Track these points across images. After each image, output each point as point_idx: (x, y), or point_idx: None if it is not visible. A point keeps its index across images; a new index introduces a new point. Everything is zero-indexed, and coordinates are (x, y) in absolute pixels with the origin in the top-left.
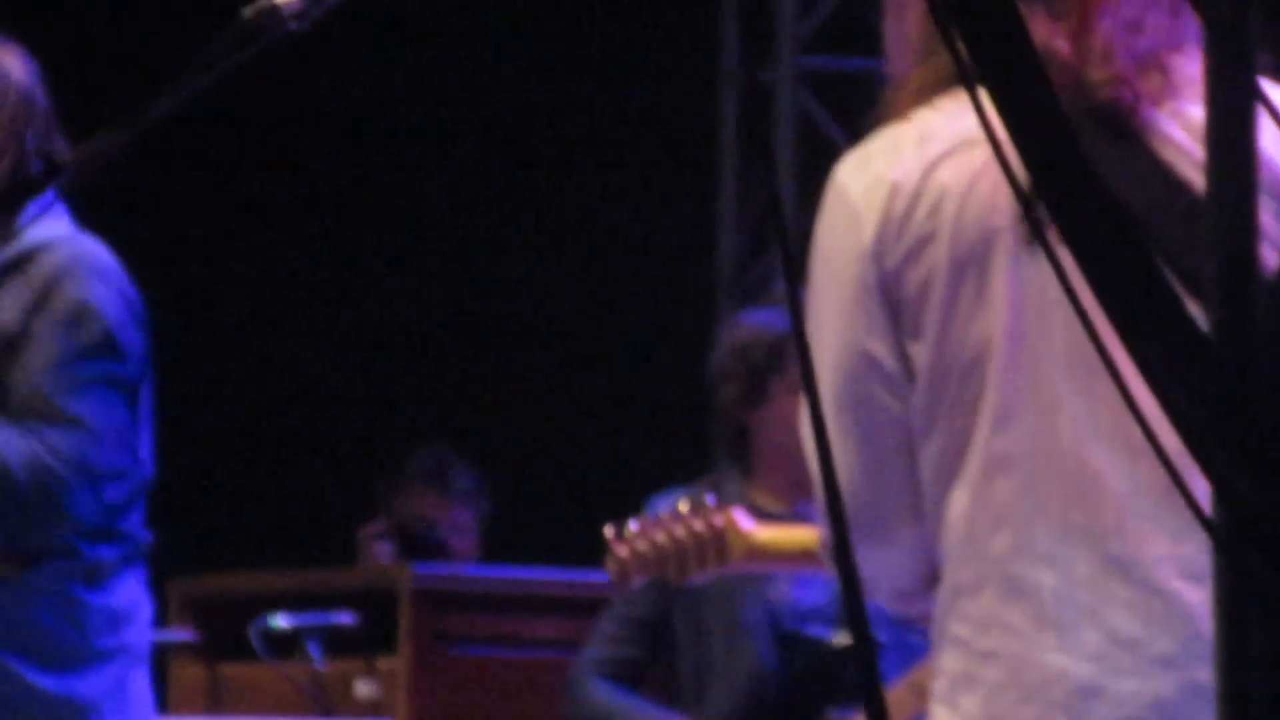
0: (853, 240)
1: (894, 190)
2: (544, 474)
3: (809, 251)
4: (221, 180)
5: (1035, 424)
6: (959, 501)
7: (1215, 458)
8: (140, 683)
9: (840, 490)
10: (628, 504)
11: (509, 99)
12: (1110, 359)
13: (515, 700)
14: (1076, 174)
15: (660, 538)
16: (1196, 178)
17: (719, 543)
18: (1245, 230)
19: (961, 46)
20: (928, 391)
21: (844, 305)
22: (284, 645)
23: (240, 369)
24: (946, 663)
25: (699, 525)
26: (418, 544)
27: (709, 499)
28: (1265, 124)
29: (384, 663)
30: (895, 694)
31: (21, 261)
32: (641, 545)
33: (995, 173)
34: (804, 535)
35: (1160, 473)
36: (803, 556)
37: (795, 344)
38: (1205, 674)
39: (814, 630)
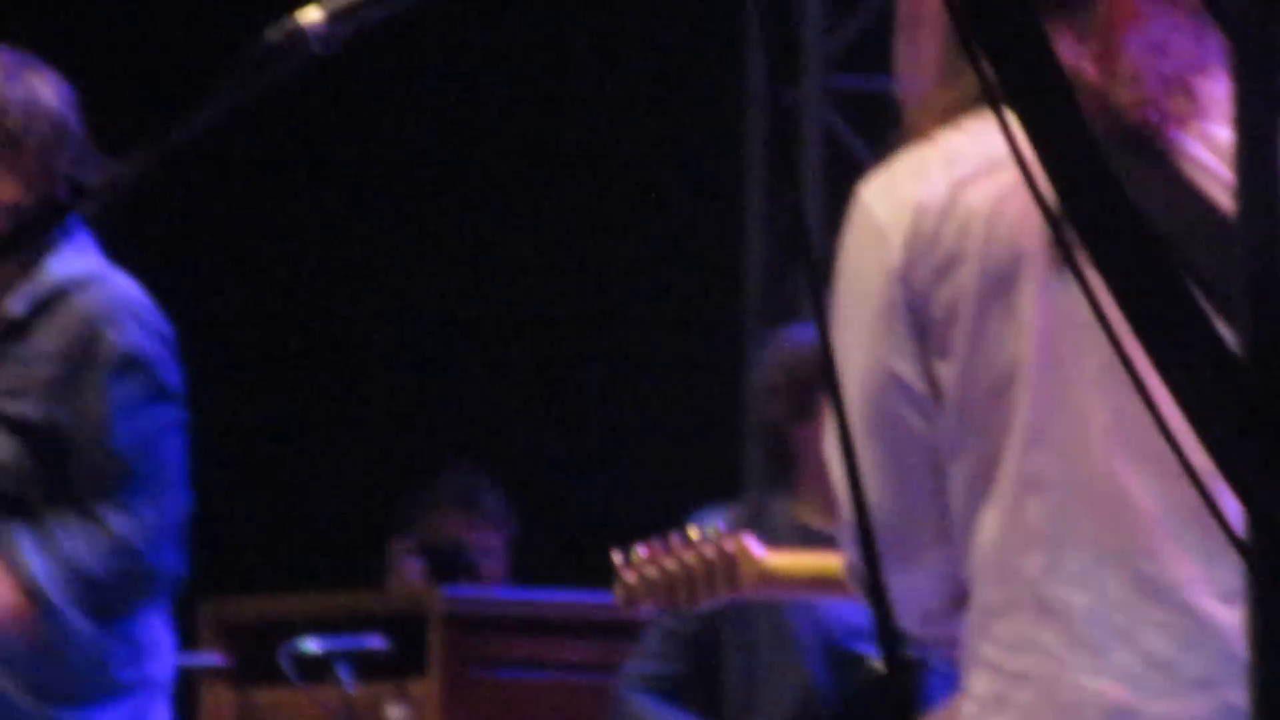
0: (879, 260)
1: (921, 211)
2: (572, 495)
3: (835, 271)
4: (247, 194)
5: (1066, 445)
6: (988, 522)
7: (1246, 478)
8: (162, 715)
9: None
10: (656, 525)
11: (532, 118)
12: (1140, 380)
13: None
14: (1105, 195)
15: (669, 564)
16: (1224, 199)
17: (730, 569)
18: (1274, 250)
19: (988, 68)
20: (956, 412)
21: (870, 326)
22: (314, 669)
23: (268, 391)
24: (977, 685)
25: (709, 551)
26: (447, 563)
27: (720, 525)
28: None
29: (415, 686)
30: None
31: (51, 301)
32: (650, 571)
33: (1023, 194)
34: (818, 561)
35: (1191, 493)
36: (817, 583)
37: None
38: (1238, 695)
39: (865, 647)
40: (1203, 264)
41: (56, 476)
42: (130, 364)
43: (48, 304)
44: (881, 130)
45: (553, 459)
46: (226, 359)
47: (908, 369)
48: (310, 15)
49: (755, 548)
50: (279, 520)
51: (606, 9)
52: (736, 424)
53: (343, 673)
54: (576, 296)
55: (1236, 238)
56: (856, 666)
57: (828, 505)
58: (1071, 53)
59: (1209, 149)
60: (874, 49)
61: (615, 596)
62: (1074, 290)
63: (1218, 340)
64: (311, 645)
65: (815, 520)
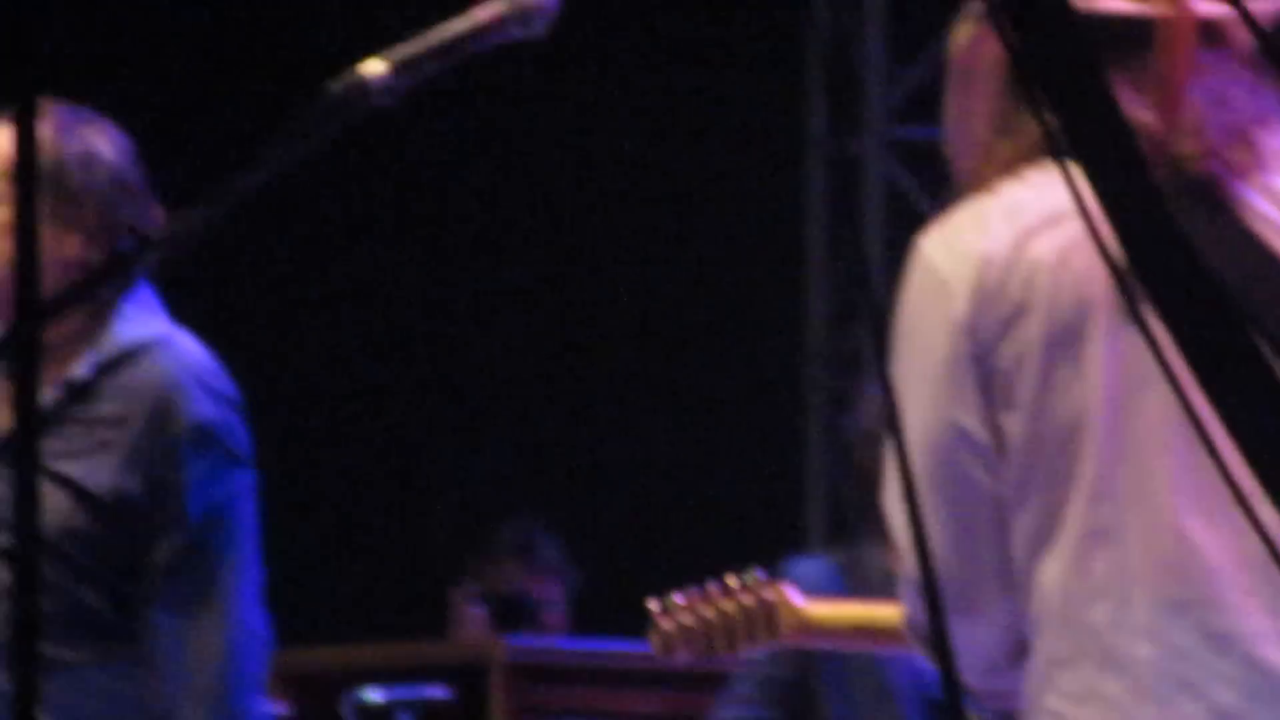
0: (942, 312)
1: (985, 263)
2: (635, 545)
3: (896, 322)
4: (308, 247)
5: (1132, 497)
6: (1052, 572)
7: None
8: None
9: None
10: (719, 575)
11: (595, 168)
12: (1206, 432)
13: None
14: (1171, 247)
15: (708, 611)
16: None
17: (769, 617)
18: None
19: (1051, 119)
20: (1022, 463)
21: (933, 377)
22: (377, 719)
23: (329, 443)
24: None
25: (748, 599)
26: (510, 611)
27: (758, 573)
28: None
29: None
30: None
31: (116, 364)
32: (687, 619)
33: (1088, 246)
34: (860, 611)
35: (1258, 545)
36: (858, 633)
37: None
38: None
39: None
40: (1266, 314)
41: (125, 544)
42: (203, 436)
43: (113, 367)
44: (942, 181)
45: (616, 509)
46: (288, 411)
47: (971, 421)
48: (372, 67)
49: (794, 596)
50: (342, 570)
51: (670, 58)
52: (798, 474)
53: None
54: (639, 347)
55: None
56: None
57: None
58: (1131, 104)
59: (1270, 200)
60: (935, 100)
61: (651, 644)
62: (1139, 341)
63: None
64: (374, 695)
65: None
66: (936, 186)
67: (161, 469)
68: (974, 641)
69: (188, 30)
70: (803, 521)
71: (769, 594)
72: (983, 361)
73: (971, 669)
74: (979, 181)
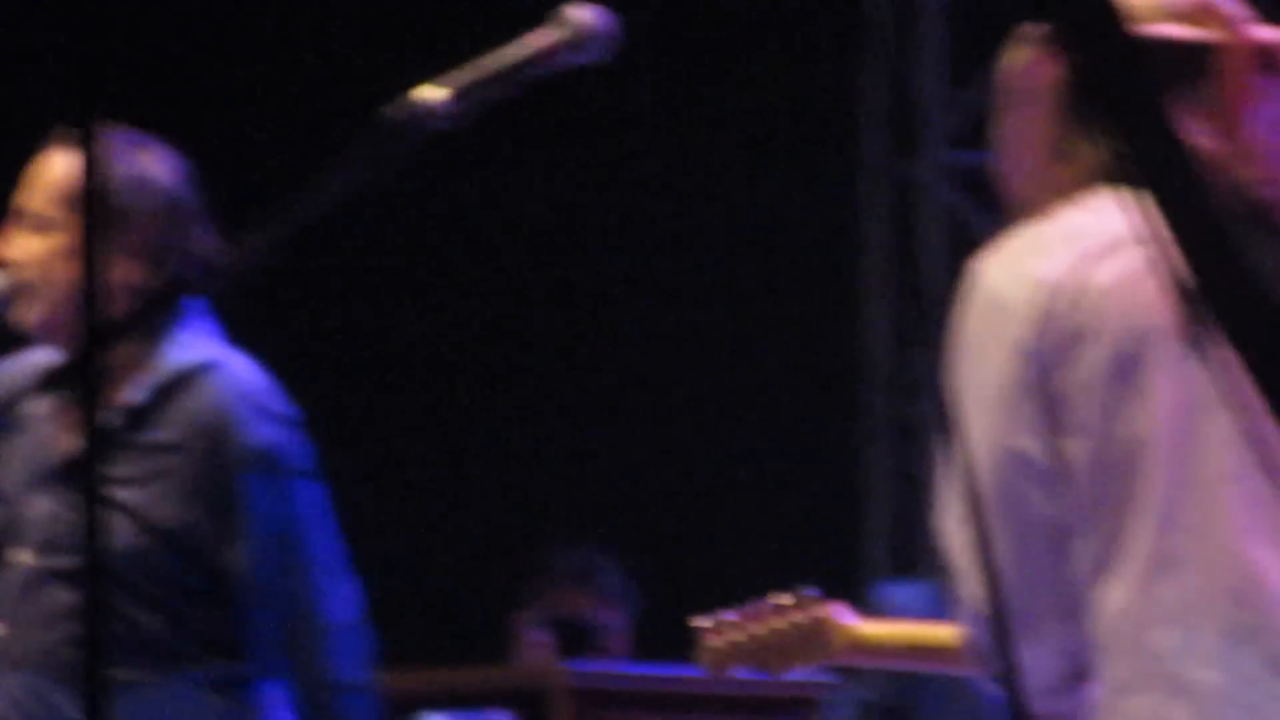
0: (1002, 336)
1: (1046, 288)
2: (697, 570)
3: (955, 347)
4: (358, 275)
5: (1198, 524)
6: (1116, 598)
7: None
8: None
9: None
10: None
11: (649, 195)
12: (1274, 458)
13: None
14: (1236, 273)
15: (757, 629)
16: None
17: (819, 635)
18: None
19: (1111, 145)
20: (1086, 487)
21: (994, 402)
22: None
23: (388, 467)
24: None
25: (798, 617)
26: (575, 636)
27: (809, 591)
28: None
29: None
30: None
31: (171, 389)
32: (737, 635)
33: (1149, 272)
34: (914, 631)
35: None
36: (910, 652)
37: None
38: None
39: None
40: None
41: (189, 568)
42: (262, 459)
43: (167, 391)
44: (1001, 206)
45: (678, 535)
46: (350, 439)
47: (1032, 445)
48: (432, 93)
49: (845, 615)
50: (403, 596)
51: (727, 84)
52: (858, 500)
53: None
54: (699, 373)
55: None
56: None
57: None
58: (1191, 130)
59: None
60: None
61: (699, 662)
62: (1202, 369)
63: None
64: None
65: None
66: (995, 211)
67: (224, 495)
68: (1031, 664)
69: (249, 55)
70: (863, 548)
71: (819, 612)
72: (1043, 386)
73: (1028, 692)
74: (1035, 206)
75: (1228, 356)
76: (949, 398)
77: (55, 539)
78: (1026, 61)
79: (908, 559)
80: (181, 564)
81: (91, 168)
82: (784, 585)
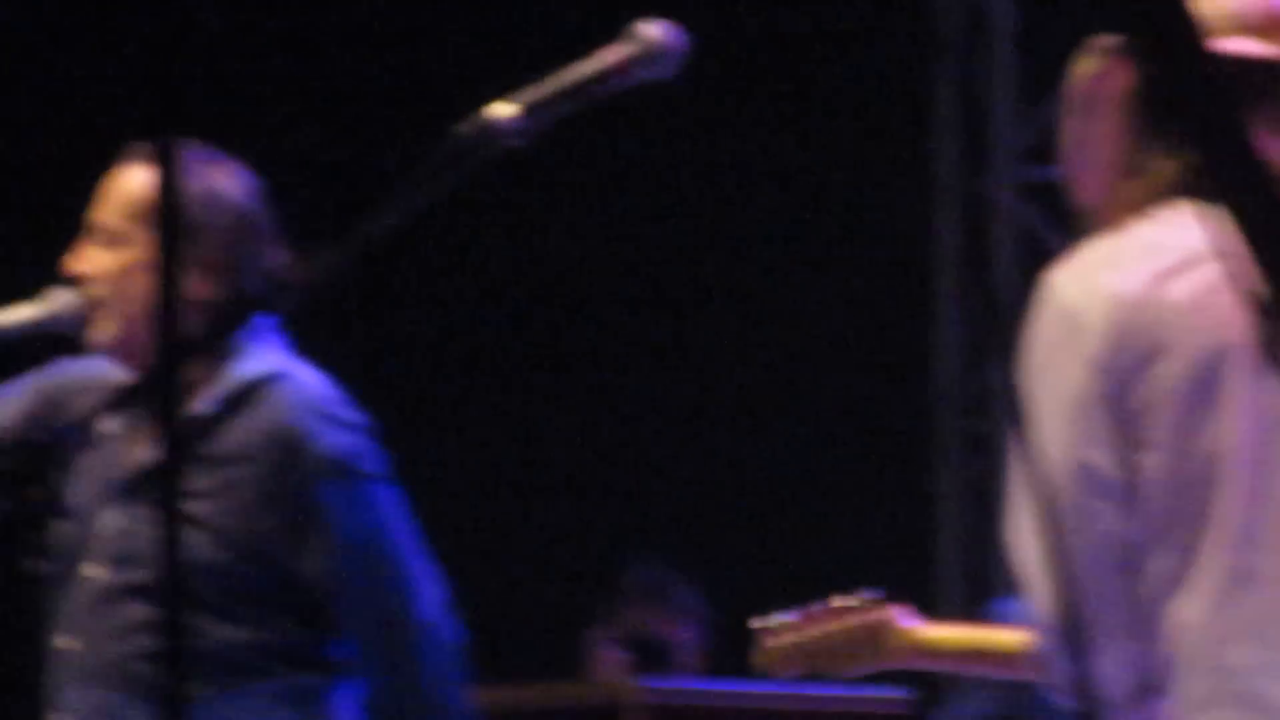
0: (1076, 350)
1: (1121, 302)
2: (769, 587)
3: (1026, 361)
4: (436, 287)
5: (1277, 540)
6: (1190, 613)
7: None
8: None
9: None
10: None
11: (723, 209)
12: None
13: None
14: None
15: (816, 630)
16: None
17: (875, 639)
18: None
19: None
20: (1159, 503)
21: (1065, 416)
22: None
23: (460, 483)
24: None
25: (854, 620)
26: (650, 652)
27: (870, 593)
28: None
29: None
30: None
31: (239, 400)
32: (793, 638)
33: (1226, 288)
34: (975, 635)
35: None
36: (969, 656)
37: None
38: None
39: None
40: None
41: (263, 580)
42: (333, 467)
43: (236, 403)
44: (1072, 220)
45: (751, 552)
46: (419, 453)
47: (1104, 459)
48: (502, 109)
49: (903, 618)
50: (476, 612)
51: (797, 100)
52: (930, 512)
53: None
54: (771, 388)
55: None
56: None
57: None
58: (1266, 144)
59: None
60: None
61: (755, 663)
62: (1278, 385)
63: None
64: None
65: None
66: (1066, 225)
67: (299, 505)
68: (1101, 677)
69: (322, 72)
70: (936, 562)
71: (876, 615)
72: (1118, 401)
73: (1098, 704)
74: (1106, 219)
75: None
76: (1021, 412)
77: (128, 553)
78: (1097, 71)
79: (980, 573)
80: (255, 575)
81: (168, 183)
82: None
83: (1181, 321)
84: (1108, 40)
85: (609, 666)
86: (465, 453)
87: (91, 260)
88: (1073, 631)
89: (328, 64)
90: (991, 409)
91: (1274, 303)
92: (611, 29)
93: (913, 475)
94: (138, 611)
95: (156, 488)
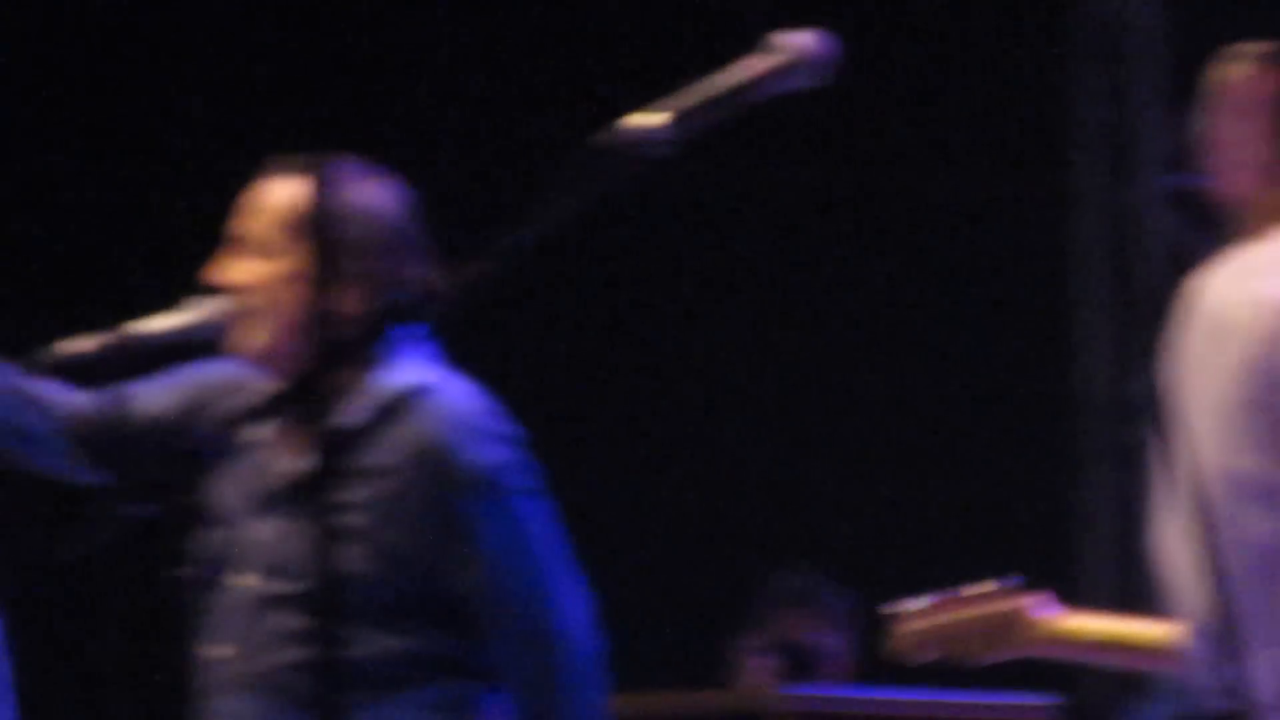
0: (1227, 357)
1: (1272, 308)
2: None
3: (1174, 367)
4: (578, 295)
5: None
6: None
7: None
8: None
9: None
10: None
11: (864, 223)
12: None
13: None
14: None
15: (948, 618)
16: None
17: (1010, 627)
18: None
19: None
20: None
21: (1217, 421)
22: None
23: (606, 491)
24: None
25: (991, 607)
26: (799, 660)
27: (1007, 580)
28: None
29: None
30: None
31: (388, 412)
32: (928, 623)
33: None
34: (1111, 626)
35: None
36: (1105, 648)
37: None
38: None
39: None
40: None
41: (410, 592)
42: (484, 481)
43: (384, 415)
44: (1218, 227)
45: (896, 560)
46: (568, 461)
47: (1255, 463)
48: (649, 118)
49: (1039, 607)
50: (624, 619)
51: (938, 109)
52: (1077, 522)
53: None
54: (915, 399)
55: None
56: None
57: None
58: None
59: None
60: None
61: (889, 648)
62: None
63: None
64: None
65: None
66: (1212, 233)
67: (448, 518)
68: (1255, 678)
69: (471, 84)
70: (1084, 572)
71: (1013, 602)
72: (1272, 405)
73: (1253, 705)
74: (1252, 224)
75: None
76: (1169, 418)
77: (278, 563)
78: (1247, 76)
79: (1127, 583)
80: (405, 586)
81: (322, 196)
82: None
83: None
84: (1257, 46)
85: (756, 673)
86: (614, 460)
87: (242, 270)
88: (1224, 635)
89: (479, 75)
90: (1138, 418)
91: None
92: (755, 40)
93: (1059, 485)
94: (289, 621)
95: (307, 498)
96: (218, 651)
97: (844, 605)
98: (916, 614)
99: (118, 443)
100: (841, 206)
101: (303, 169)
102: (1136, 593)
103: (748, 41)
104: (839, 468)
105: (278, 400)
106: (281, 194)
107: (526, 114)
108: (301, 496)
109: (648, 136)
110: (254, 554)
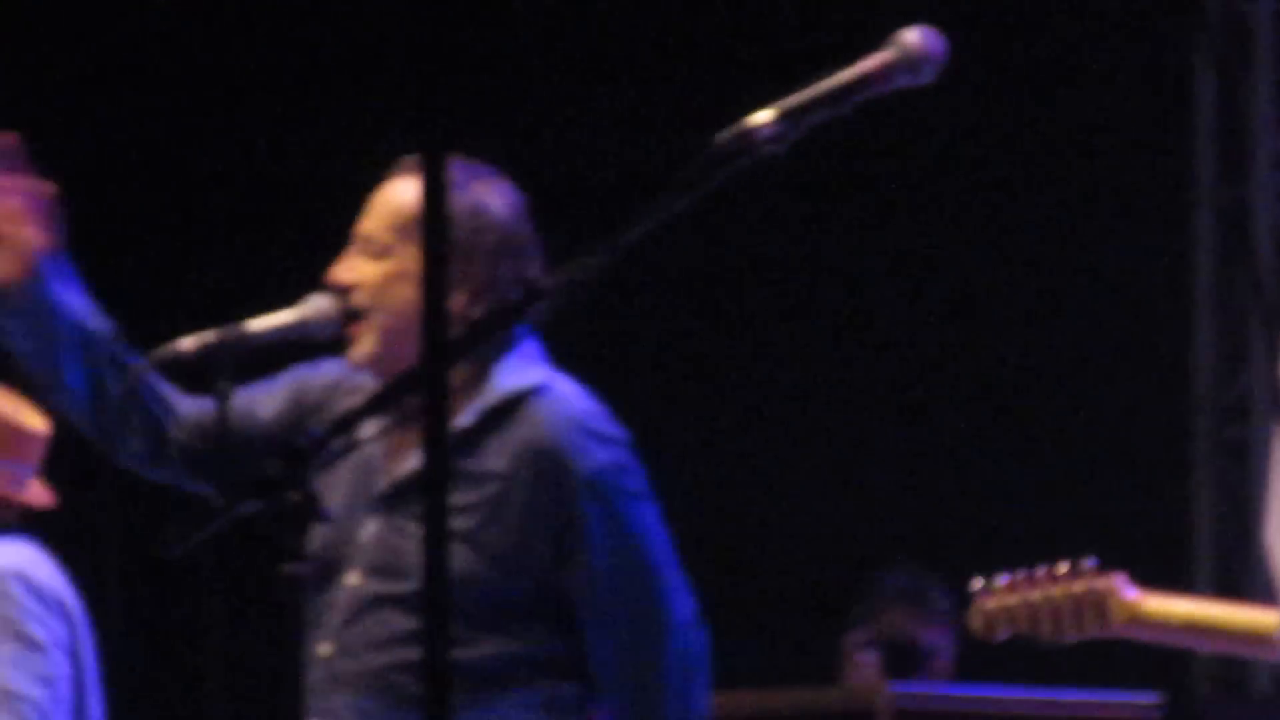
0: None
1: None
2: None
3: None
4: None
5: None
6: None
7: None
8: None
9: None
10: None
11: (981, 217)
12: None
13: None
14: None
15: (1034, 595)
16: None
17: (1099, 606)
18: None
19: None
20: None
21: None
22: None
23: (713, 489)
24: None
25: (1077, 587)
26: (904, 657)
27: (1090, 561)
28: None
29: None
30: None
31: (499, 413)
32: (1011, 600)
33: None
34: (1200, 609)
35: None
36: (1192, 631)
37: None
38: None
39: None
40: None
41: (520, 594)
42: (597, 484)
43: (495, 416)
44: None
45: (1005, 556)
46: (675, 460)
47: None
48: (761, 117)
49: (1127, 588)
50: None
51: (1053, 109)
52: (1185, 524)
53: None
54: (1027, 396)
55: None
56: None
57: None
58: None
59: None
60: None
61: (970, 624)
62: None
63: None
64: None
65: None
66: None
67: (559, 521)
68: None
69: (584, 86)
70: (1193, 569)
71: (1100, 583)
72: None
73: None
74: None
75: None
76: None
77: (388, 563)
78: None
79: (1237, 578)
80: (515, 588)
81: (437, 197)
82: None
83: None
84: None
85: (864, 670)
86: (720, 457)
87: (355, 270)
88: None
89: (591, 77)
90: (1250, 414)
91: None
92: (872, 38)
93: (1171, 481)
94: (398, 621)
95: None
96: (326, 649)
97: (951, 602)
98: (1002, 589)
99: (229, 451)
100: (959, 204)
101: (425, 170)
102: (1247, 587)
103: (873, 40)
104: (951, 465)
105: (386, 400)
106: (395, 194)
107: (646, 111)
108: (410, 497)
109: (762, 134)
110: (364, 553)
